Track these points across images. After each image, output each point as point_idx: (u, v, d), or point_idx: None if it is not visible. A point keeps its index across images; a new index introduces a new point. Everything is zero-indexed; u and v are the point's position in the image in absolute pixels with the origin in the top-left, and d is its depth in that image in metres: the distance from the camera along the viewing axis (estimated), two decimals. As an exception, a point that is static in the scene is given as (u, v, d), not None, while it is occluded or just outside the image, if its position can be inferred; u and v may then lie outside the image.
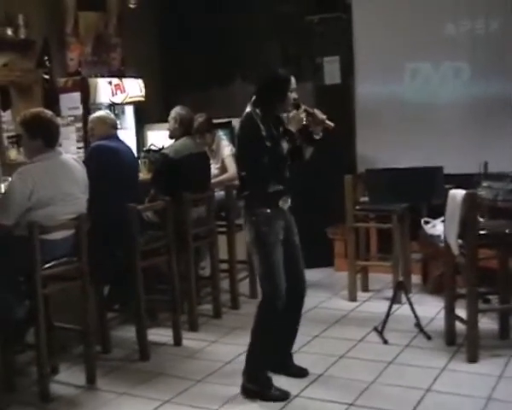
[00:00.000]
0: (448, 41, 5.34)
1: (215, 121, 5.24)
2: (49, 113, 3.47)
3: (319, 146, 3.32)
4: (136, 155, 4.69)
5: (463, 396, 3.11)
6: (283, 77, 3.17)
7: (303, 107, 3.23)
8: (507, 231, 3.59)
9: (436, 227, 4.40)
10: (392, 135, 5.54)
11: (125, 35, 5.96)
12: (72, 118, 5.32)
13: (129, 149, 4.24)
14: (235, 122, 4.85)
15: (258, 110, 3.14)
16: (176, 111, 4.50)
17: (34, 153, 3.38)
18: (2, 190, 3.88)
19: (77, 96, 5.32)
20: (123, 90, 5.56)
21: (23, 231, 3.19)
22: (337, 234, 5.48)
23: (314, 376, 3.40)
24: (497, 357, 3.52)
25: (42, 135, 3.36)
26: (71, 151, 5.01)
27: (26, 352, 3.54)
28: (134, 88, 5.68)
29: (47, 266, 3.26)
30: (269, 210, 3.15)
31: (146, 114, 5.93)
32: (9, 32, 5.07)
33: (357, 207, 4.73)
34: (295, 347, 3.51)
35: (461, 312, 3.63)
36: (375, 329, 4.00)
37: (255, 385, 3.18)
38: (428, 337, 3.84)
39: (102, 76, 5.55)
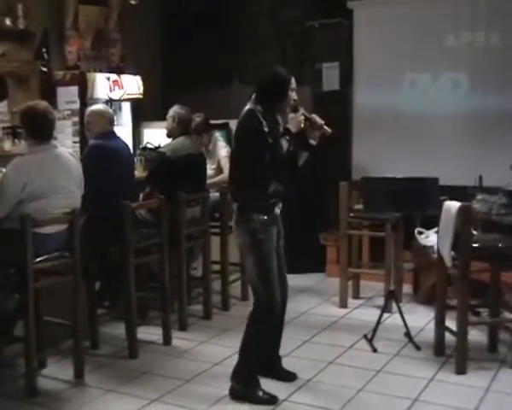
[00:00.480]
0: (448, 53, 5.36)
1: (212, 122, 5.24)
2: (44, 105, 3.44)
3: (315, 152, 3.31)
4: (132, 152, 4.68)
5: (451, 407, 3.11)
6: (284, 76, 3.17)
7: (301, 110, 3.23)
8: (500, 245, 3.61)
9: (429, 238, 4.42)
10: (389, 144, 5.56)
11: (125, 31, 5.94)
12: (69, 112, 5.29)
13: (126, 146, 4.22)
14: (233, 124, 4.85)
15: (259, 107, 3.13)
16: (174, 110, 4.49)
17: (30, 144, 3.37)
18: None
19: (74, 89, 5.29)
20: (121, 87, 5.54)
21: (13, 223, 3.16)
22: (330, 240, 5.49)
23: (302, 381, 3.40)
24: (484, 370, 3.53)
25: (35, 127, 3.34)
26: (66, 145, 4.97)
27: (15, 344, 3.52)
28: (132, 85, 5.67)
29: (39, 259, 3.23)
30: (266, 217, 3.13)
31: (143, 112, 5.92)
32: (8, 21, 5.05)
33: (352, 215, 4.74)
34: (285, 351, 3.51)
35: (451, 323, 3.65)
36: (365, 337, 4.00)
37: (244, 388, 3.18)
38: (418, 348, 3.84)
39: (101, 71, 5.53)
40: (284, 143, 3.12)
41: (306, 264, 5.47)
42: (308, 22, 5.80)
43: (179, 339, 4.03)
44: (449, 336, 3.67)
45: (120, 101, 5.62)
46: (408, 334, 3.97)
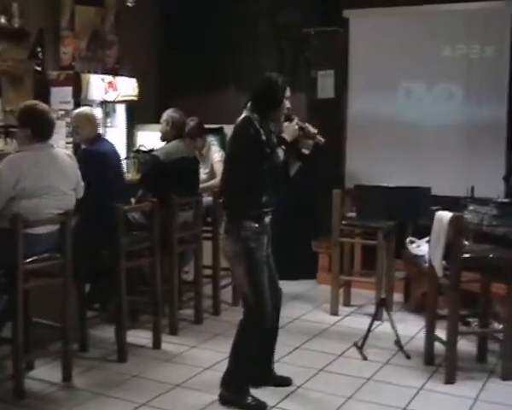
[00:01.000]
0: (443, 63, 5.40)
1: (207, 127, 5.24)
2: (45, 106, 3.46)
3: (307, 161, 3.28)
4: (125, 154, 4.68)
5: (440, 417, 3.13)
6: (279, 84, 3.16)
7: (295, 120, 3.22)
8: (490, 255, 3.63)
9: (421, 247, 4.43)
10: (382, 152, 5.58)
11: (121, 33, 5.93)
12: (63, 112, 5.26)
13: (114, 149, 4.22)
14: (227, 129, 4.85)
15: (256, 115, 3.12)
16: (168, 114, 4.48)
17: (23, 142, 3.35)
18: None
19: (68, 90, 5.27)
20: (115, 89, 5.53)
21: (3, 223, 3.14)
22: (322, 247, 5.49)
23: (292, 388, 3.39)
24: (473, 380, 3.54)
25: (32, 125, 3.32)
26: (59, 146, 4.95)
27: (2, 346, 3.48)
28: (127, 87, 5.66)
29: (29, 260, 3.21)
30: (257, 225, 3.11)
31: (138, 114, 5.90)
32: (3, 20, 5.03)
33: (344, 222, 4.74)
34: (276, 357, 3.49)
35: (441, 332, 3.65)
36: (355, 344, 4.00)
37: (233, 395, 3.17)
38: (408, 357, 3.85)
39: (96, 72, 5.52)
40: (280, 153, 3.11)
41: (298, 271, 5.47)
42: (304, 29, 5.82)
43: (169, 343, 4.01)
44: (439, 346, 3.68)
45: (115, 103, 5.61)
46: (398, 342, 3.98)
